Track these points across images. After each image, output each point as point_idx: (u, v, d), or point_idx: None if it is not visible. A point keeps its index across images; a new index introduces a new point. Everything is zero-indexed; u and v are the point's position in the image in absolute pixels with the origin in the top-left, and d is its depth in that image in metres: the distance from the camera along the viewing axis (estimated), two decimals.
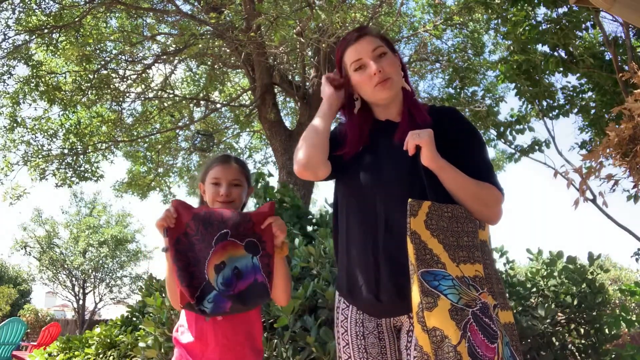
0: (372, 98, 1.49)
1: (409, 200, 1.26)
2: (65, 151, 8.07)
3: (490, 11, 6.65)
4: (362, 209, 1.44)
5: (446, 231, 1.28)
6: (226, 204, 1.77)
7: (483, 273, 1.27)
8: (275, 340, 2.68)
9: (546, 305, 3.68)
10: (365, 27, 1.58)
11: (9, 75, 7.28)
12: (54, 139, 8.10)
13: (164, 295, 3.54)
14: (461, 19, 7.96)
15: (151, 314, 3.51)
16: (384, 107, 1.51)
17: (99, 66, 7.21)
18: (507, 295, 3.65)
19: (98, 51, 7.41)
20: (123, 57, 7.50)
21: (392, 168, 1.42)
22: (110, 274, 20.39)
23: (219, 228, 1.58)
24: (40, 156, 7.81)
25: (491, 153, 13.55)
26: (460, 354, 1.14)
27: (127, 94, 7.77)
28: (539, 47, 6.30)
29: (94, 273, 19.76)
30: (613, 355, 3.75)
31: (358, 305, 1.45)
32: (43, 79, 7.32)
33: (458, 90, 8.15)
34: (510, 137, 7.83)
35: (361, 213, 1.44)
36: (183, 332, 1.74)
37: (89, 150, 8.17)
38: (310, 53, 7.28)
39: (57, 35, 6.92)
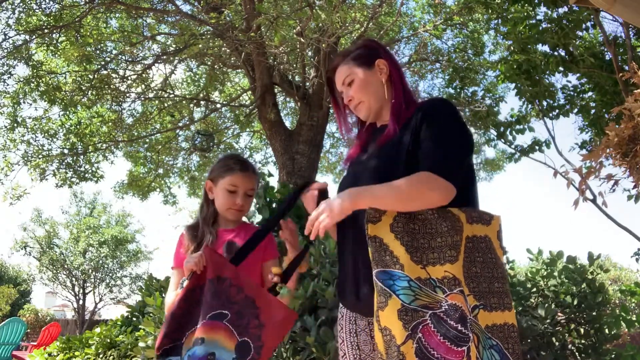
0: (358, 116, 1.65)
1: (367, 208, 1.29)
2: (66, 151, 8.07)
3: (490, 11, 6.65)
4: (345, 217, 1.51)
5: (416, 234, 1.28)
6: (239, 212, 1.82)
7: (456, 273, 1.24)
8: None
9: (546, 305, 3.68)
10: (338, 55, 1.68)
11: (9, 75, 7.28)
12: (54, 139, 8.10)
13: (163, 295, 3.55)
14: (461, 19, 7.95)
15: (151, 314, 3.51)
16: (374, 119, 1.62)
17: (99, 66, 7.21)
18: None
19: (98, 51, 7.40)
20: (123, 57, 7.49)
21: (367, 173, 1.46)
22: (110, 274, 20.39)
23: (222, 306, 1.46)
24: (40, 156, 7.81)
25: (491, 153, 13.55)
26: (403, 353, 1.14)
27: (127, 94, 7.77)
28: (539, 47, 6.30)
29: (94, 273, 19.76)
30: (613, 355, 3.75)
31: (345, 304, 1.51)
32: (43, 79, 7.32)
33: (458, 90, 8.14)
34: (510, 137, 7.82)
35: (344, 220, 1.51)
36: None
37: (89, 151, 8.16)
38: (310, 53, 7.27)
39: (57, 35, 6.91)
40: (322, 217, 1.33)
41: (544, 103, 7.02)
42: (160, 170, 9.87)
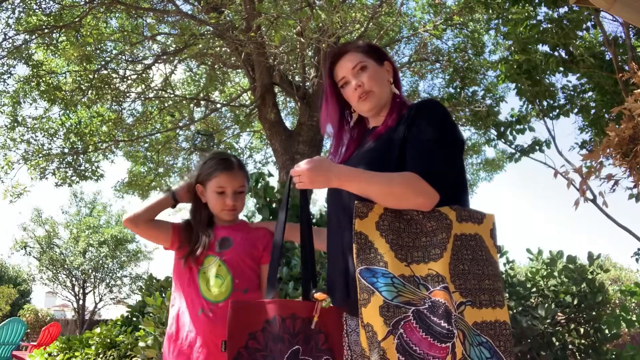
0: (358, 110, 1.59)
1: (356, 202, 1.30)
2: (66, 150, 8.08)
3: (490, 11, 6.65)
4: (335, 209, 1.52)
5: (402, 232, 1.29)
6: (232, 212, 1.79)
7: (440, 270, 1.24)
8: None
9: (546, 305, 3.68)
10: (347, 44, 1.63)
11: (9, 75, 7.28)
12: (55, 138, 8.10)
13: (164, 295, 3.55)
14: (461, 19, 7.95)
15: (151, 314, 3.51)
16: (374, 115, 1.58)
17: (99, 66, 7.21)
18: (506, 294, 3.64)
19: (98, 51, 7.40)
20: (123, 57, 7.50)
21: (361, 167, 1.45)
22: (110, 274, 20.37)
23: (290, 344, 1.31)
24: (40, 155, 7.81)
25: (491, 153, 13.54)
26: (384, 349, 1.16)
27: (127, 94, 7.77)
28: (540, 47, 6.30)
29: (94, 273, 19.75)
30: (613, 355, 3.75)
31: (334, 302, 1.49)
32: (43, 79, 7.32)
33: (458, 90, 8.15)
34: (510, 137, 7.83)
35: (334, 213, 1.52)
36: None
37: (90, 150, 8.17)
38: (310, 53, 7.27)
39: (57, 35, 6.91)
40: (302, 177, 1.33)
41: (544, 103, 7.03)
42: (161, 170, 9.87)
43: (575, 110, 6.94)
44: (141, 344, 3.31)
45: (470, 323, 1.25)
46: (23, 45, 6.93)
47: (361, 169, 1.35)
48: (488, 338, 1.26)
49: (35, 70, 7.24)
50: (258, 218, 3.72)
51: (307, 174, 1.32)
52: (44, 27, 6.70)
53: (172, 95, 8.22)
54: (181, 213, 1.91)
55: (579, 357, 3.79)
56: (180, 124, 8.77)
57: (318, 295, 1.36)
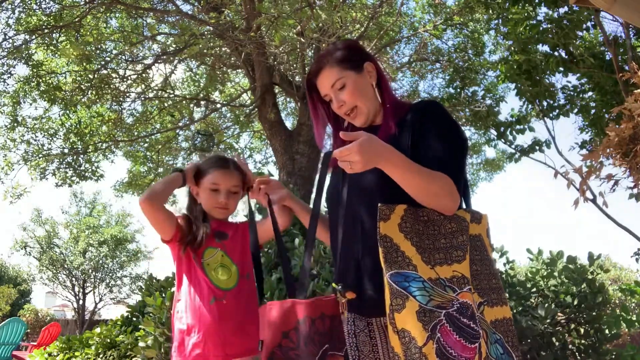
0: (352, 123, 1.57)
1: (379, 204, 1.27)
2: (66, 150, 8.08)
3: (490, 11, 6.65)
4: (341, 211, 1.48)
5: (422, 234, 1.28)
6: (224, 210, 1.82)
7: (465, 272, 1.25)
8: None
9: (546, 305, 3.68)
10: (322, 57, 1.55)
11: (9, 75, 7.28)
12: (54, 139, 8.10)
13: (163, 295, 3.55)
14: (461, 19, 7.95)
15: (151, 314, 3.51)
16: (370, 123, 1.56)
17: (99, 66, 7.21)
18: (506, 294, 3.64)
19: (98, 51, 7.40)
20: (123, 57, 7.49)
21: (366, 172, 1.40)
22: (110, 274, 20.39)
23: (321, 343, 1.31)
24: (40, 155, 7.82)
25: (491, 153, 13.54)
26: (425, 355, 1.15)
27: (127, 94, 7.77)
28: (540, 47, 6.30)
29: (94, 273, 19.76)
30: (613, 355, 3.75)
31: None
32: (43, 79, 7.32)
33: (458, 90, 8.14)
34: (510, 137, 7.82)
35: (339, 217, 1.49)
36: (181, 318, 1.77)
37: (90, 150, 8.17)
38: (310, 53, 7.27)
39: (57, 35, 6.91)
40: (355, 163, 1.22)
41: (544, 103, 7.03)
42: (161, 170, 9.87)
43: (575, 110, 6.93)
44: (141, 344, 3.31)
45: (488, 322, 1.28)
46: (23, 45, 6.93)
47: (402, 155, 1.27)
48: (501, 335, 1.29)
49: (35, 70, 7.23)
50: (258, 218, 3.72)
51: (361, 158, 1.20)
52: (44, 27, 6.70)
53: (172, 95, 8.22)
54: (181, 213, 1.92)
55: (579, 357, 3.79)
56: (180, 124, 8.77)
57: (349, 294, 1.36)
